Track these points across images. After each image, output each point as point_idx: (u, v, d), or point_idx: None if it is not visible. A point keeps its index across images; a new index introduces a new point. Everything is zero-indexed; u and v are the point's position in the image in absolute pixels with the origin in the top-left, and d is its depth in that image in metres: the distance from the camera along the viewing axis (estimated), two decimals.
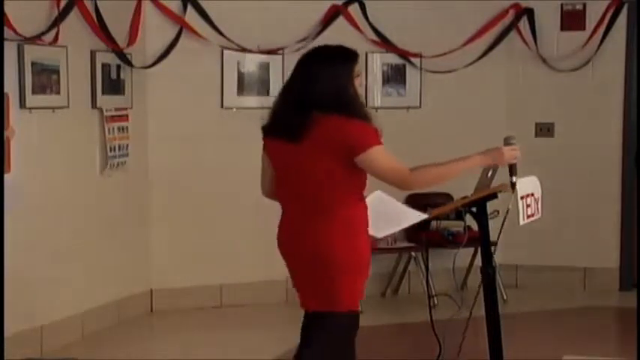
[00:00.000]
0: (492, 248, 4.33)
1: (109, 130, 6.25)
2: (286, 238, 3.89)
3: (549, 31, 7.57)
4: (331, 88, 3.74)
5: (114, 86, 6.34)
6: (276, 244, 3.95)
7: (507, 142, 4.09)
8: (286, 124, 3.75)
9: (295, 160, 3.75)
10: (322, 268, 3.73)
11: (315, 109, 3.70)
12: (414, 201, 7.32)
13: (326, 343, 3.82)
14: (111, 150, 6.27)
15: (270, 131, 3.84)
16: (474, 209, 4.30)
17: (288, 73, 6.90)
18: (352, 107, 3.74)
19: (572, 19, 7.53)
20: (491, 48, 7.50)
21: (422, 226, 6.66)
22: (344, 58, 3.85)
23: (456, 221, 6.40)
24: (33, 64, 5.54)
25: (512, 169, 4.12)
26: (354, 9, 7.19)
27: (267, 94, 6.99)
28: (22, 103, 5.49)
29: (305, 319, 3.92)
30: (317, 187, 3.73)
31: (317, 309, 3.82)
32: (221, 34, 6.78)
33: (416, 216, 4.09)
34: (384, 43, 7.29)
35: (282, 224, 3.92)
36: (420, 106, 7.44)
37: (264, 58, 6.97)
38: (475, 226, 4.38)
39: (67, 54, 5.82)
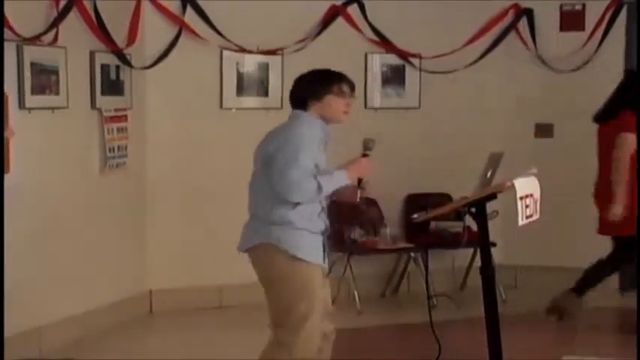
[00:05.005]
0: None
1: (108, 130, 6.25)
2: None
3: (549, 32, 7.57)
4: None
5: (113, 87, 6.33)
6: None
7: (367, 146, 4.25)
8: None
9: None
10: None
11: None
12: (414, 201, 7.39)
13: None
14: (110, 150, 6.27)
15: None
16: (473, 210, 4.29)
17: (287, 74, 6.92)
18: None
19: (571, 20, 7.54)
20: (490, 49, 7.50)
21: (421, 226, 6.66)
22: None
23: (455, 222, 6.44)
24: (32, 64, 5.54)
25: (360, 183, 4.26)
26: (353, 9, 7.18)
27: (267, 94, 6.99)
28: (22, 104, 5.49)
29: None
30: None
31: None
32: (220, 34, 6.78)
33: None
34: (384, 43, 7.29)
35: None
36: (419, 107, 7.45)
37: (263, 58, 6.96)
38: (475, 227, 4.38)
39: (66, 54, 5.82)
